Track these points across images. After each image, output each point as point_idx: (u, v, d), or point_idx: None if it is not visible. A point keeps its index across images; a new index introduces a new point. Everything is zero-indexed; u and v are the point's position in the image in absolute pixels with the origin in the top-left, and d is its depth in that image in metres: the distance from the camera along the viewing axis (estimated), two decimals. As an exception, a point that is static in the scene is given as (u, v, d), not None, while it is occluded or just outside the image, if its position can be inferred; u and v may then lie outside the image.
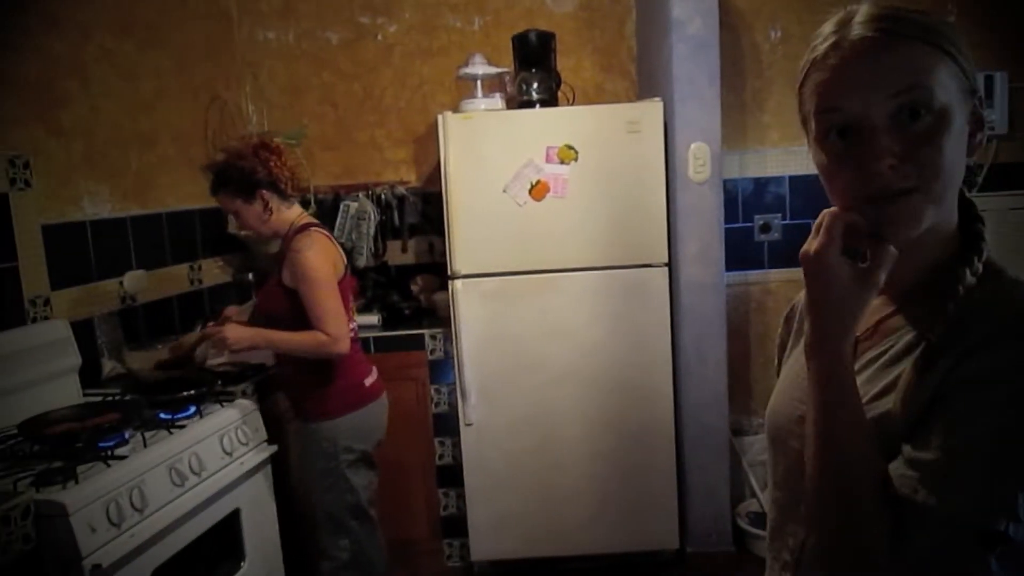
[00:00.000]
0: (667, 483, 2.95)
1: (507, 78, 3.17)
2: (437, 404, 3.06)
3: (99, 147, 2.53)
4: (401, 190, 3.39)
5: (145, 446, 1.88)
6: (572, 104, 3.17)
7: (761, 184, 3.34)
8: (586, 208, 2.83)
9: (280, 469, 2.39)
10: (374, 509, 2.43)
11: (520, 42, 3.07)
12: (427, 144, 3.43)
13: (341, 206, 3.29)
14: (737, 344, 3.30)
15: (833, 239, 0.76)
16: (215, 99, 3.21)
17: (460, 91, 3.23)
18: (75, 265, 2.39)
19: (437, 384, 3.05)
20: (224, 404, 2.21)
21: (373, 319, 3.13)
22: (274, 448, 2.29)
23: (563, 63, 3.23)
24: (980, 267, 0.80)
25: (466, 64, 3.07)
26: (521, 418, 2.91)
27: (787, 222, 3.34)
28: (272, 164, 2.27)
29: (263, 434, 2.29)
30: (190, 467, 1.94)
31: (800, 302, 1.00)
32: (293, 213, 2.34)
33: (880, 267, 0.76)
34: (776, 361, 1.09)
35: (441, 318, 3.13)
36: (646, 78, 3.30)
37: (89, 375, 2.33)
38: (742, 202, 3.35)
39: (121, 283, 2.57)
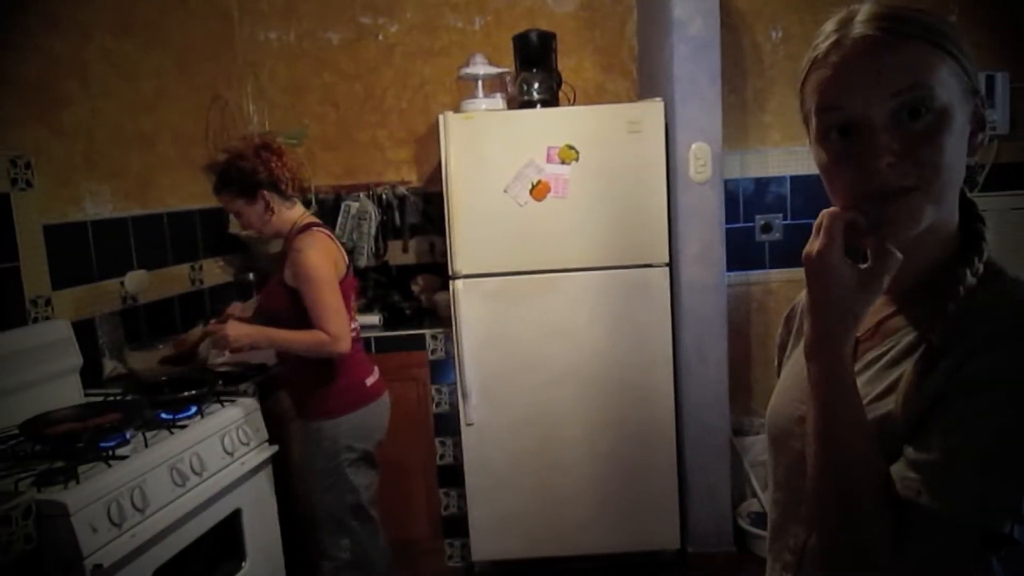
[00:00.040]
0: (668, 483, 2.95)
1: (508, 78, 3.17)
2: (438, 404, 3.06)
3: (100, 147, 2.53)
4: (402, 190, 3.39)
5: (146, 446, 1.88)
6: (573, 104, 3.17)
7: (762, 184, 3.34)
8: (587, 208, 2.83)
9: (281, 469, 2.39)
10: (375, 509, 2.43)
11: (521, 42, 3.07)
12: (428, 144, 3.43)
13: (342, 206, 3.29)
14: (738, 344, 3.30)
15: (834, 239, 0.76)
16: (216, 99, 3.21)
17: (461, 91, 3.23)
18: (76, 265, 2.39)
19: (438, 384, 3.05)
20: (225, 404, 2.21)
21: (374, 319, 3.14)
22: (275, 448, 2.29)
23: (564, 63, 3.23)
24: (981, 267, 0.80)
25: (467, 64, 3.07)
26: (522, 418, 2.91)
27: (788, 222, 3.34)
28: (273, 164, 2.27)
29: (264, 434, 2.29)
30: (191, 467, 1.95)
31: (801, 302, 1.00)
32: (295, 213, 2.35)
33: (884, 272, 0.76)
34: (776, 361, 1.09)
35: (442, 318, 3.13)
36: (647, 78, 3.30)
37: (90, 375, 2.34)
38: (743, 202, 3.35)
39: (122, 283, 2.57)
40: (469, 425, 2.91)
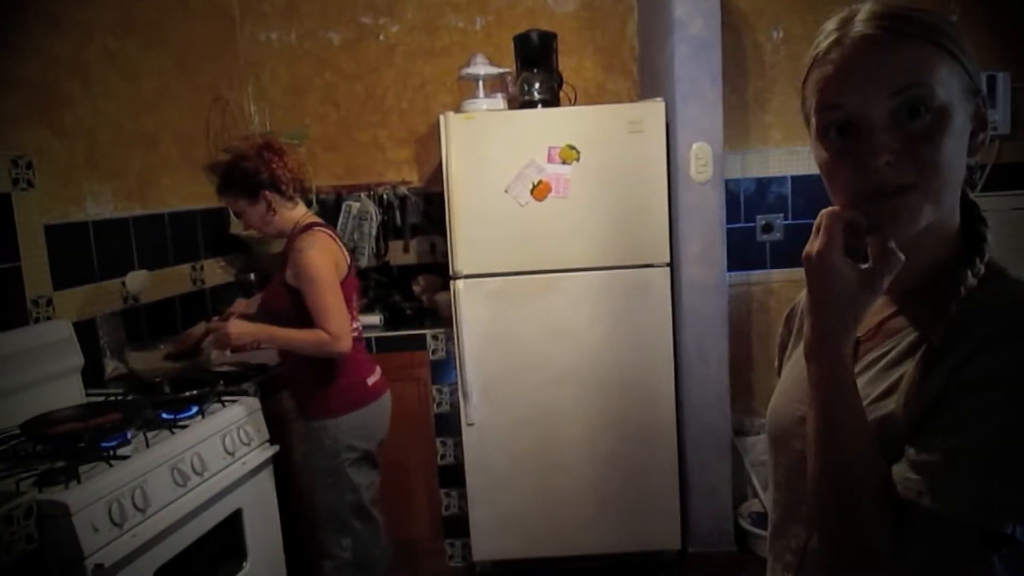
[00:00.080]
0: (669, 483, 2.95)
1: (509, 78, 3.17)
2: (439, 404, 3.06)
3: (101, 147, 2.53)
4: (403, 190, 3.39)
5: (147, 446, 1.88)
6: (574, 104, 3.17)
7: (763, 184, 3.34)
8: (588, 208, 2.83)
9: (282, 469, 2.39)
10: (377, 509, 2.43)
11: (522, 42, 3.07)
12: (429, 144, 3.43)
13: (343, 206, 3.29)
14: (739, 344, 3.30)
15: (834, 239, 0.76)
16: (217, 99, 3.22)
17: (462, 91, 3.23)
18: (78, 265, 2.39)
19: (439, 384, 3.05)
20: (226, 404, 2.21)
21: (375, 319, 3.14)
22: (276, 448, 2.29)
23: (565, 63, 3.23)
24: (982, 268, 0.80)
25: (468, 64, 3.07)
26: (523, 418, 2.91)
27: (789, 222, 3.33)
28: (275, 165, 2.27)
29: (265, 434, 2.29)
30: (192, 467, 1.95)
31: (801, 302, 1.00)
32: (298, 213, 2.35)
33: (885, 272, 0.76)
34: (777, 362, 1.09)
35: (443, 318, 3.13)
36: (648, 78, 3.30)
37: (91, 375, 2.34)
38: (744, 202, 3.35)
39: (123, 283, 2.58)
40: (470, 425, 2.91)
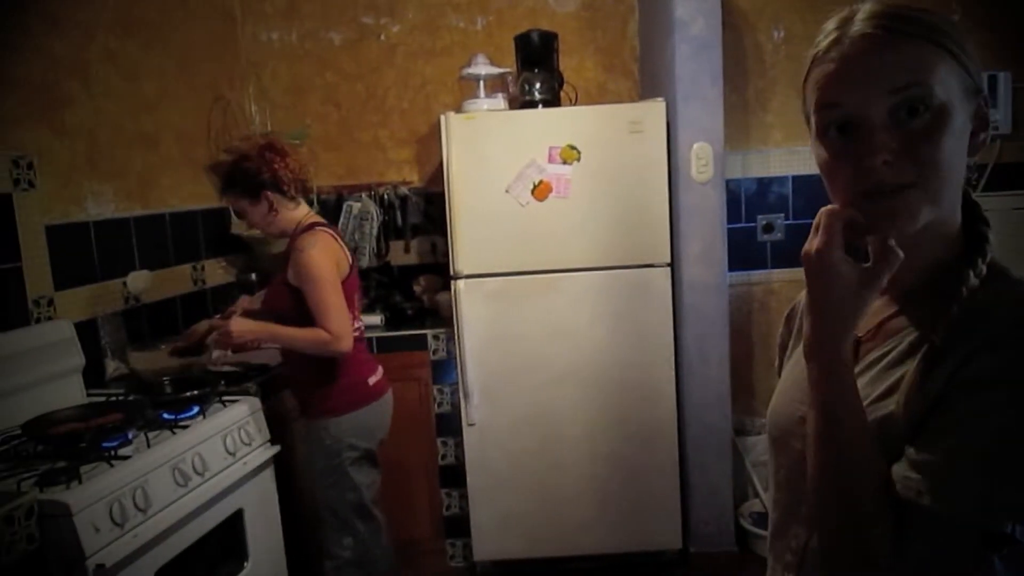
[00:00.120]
0: (670, 483, 2.95)
1: (510, 78, 3.17)
2: (440, 404, 3.06)
3: (102, 147, 2.53)
4: (404, 190, 3.39)
5: (148, 446, 1.88)
6: (574, 104, 3.18)
7: (764, 184, 3.34)
8: (589, 208, 2.82)
9: (284, 469, 2.39)
10: (378, 508, 2.43)
11: (523, 42, 3.07)
12: (430, 144, 3.43)
13: (344, 206, 3.29)
14: (740, 344, 3.30)
15: (833, 237, 0.76)
16: (218, 99, 3.22)
17: (463, 91, 3.23)
18: (79, 265, 2.40)
19: (440, 384, 3.05)
20: (227, 404, 2.22)
21: (376, 319, 3.14)
22: (277, 448, 2.29)
23: (565, 63, 3.23)
24: (984, 268, 0.80)
25: (469, 64, 3.07)
26: (523, 418, 2.91)
27: (790, 222, 3.33)
28: (277, 165, 2.28)
29: (266, 434, 2.29)
30: (193, 467, 1.95)
31: (801, 302, 1.00)
32: (300, 212, 2.35)
33: (885, 270, 0.76)
34: (777, 361, 1.09)
35: (444, 318, 3.12)
36: (649, 78, 3.30)
37: (93, 375, 2.34)
38: (745, 202, 3.34)
39: (125, 283, 2.58)
40: (471, 425, 2.91)
